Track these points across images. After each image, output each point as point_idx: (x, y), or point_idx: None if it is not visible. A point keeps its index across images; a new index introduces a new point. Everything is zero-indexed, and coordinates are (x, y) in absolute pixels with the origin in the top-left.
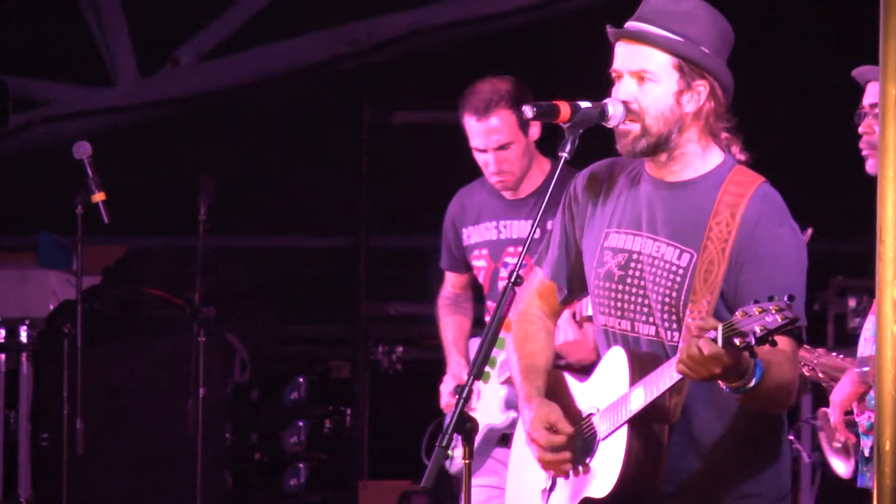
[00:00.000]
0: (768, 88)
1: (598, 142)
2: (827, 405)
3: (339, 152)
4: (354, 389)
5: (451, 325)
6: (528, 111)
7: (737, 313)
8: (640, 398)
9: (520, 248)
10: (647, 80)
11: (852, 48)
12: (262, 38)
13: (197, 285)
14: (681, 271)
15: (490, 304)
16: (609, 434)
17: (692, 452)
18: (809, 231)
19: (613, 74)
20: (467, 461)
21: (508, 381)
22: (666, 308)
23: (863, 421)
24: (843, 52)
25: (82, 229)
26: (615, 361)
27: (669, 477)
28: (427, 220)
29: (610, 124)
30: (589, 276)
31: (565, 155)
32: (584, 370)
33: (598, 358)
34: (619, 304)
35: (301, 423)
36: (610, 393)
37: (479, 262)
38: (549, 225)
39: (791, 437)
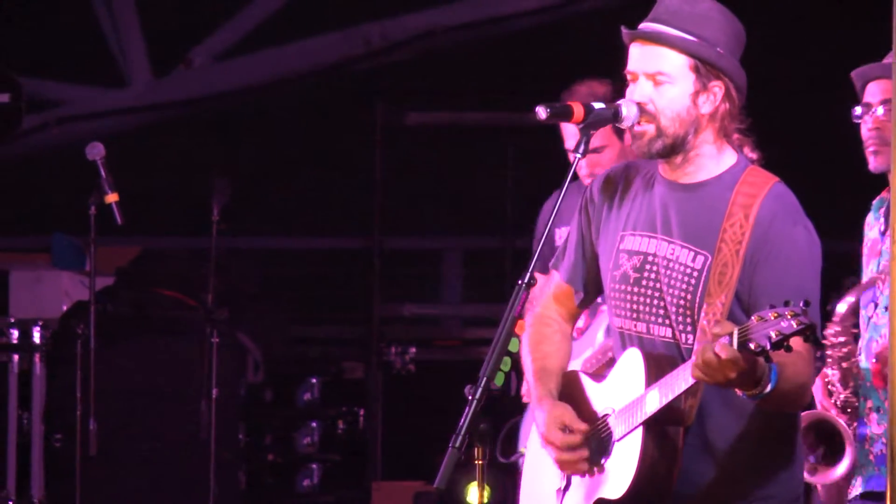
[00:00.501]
0: (779, 87)
1: None
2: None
3: (353, 153)
4: (367, 390)
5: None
6: (541, 112)
7: (752, 318)
8: (655, 400)
9: None
10: (663, 82)
11: (861, 48)
12: (275, 39)
13: (210, 286)
14: (696, 273)
15: None
16: (624, 435)
17: (707, 455)
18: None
19: (628, 76)
20: (480, 462)
21: None
22: (681, 310)
23: (872, 423)
24: (853, 51)
25: (95, 230)
26: (631, 363)
27: (683, 478)
28: (440, 221)
29: (624, 125)
30: (605, 279)
31: (578, 155)
32: (601, 371)
33: (615, 359)
34: (634, 307)
35: (314, 424)
36: (626, 394)
37: None
38: (557, 234)
39: None
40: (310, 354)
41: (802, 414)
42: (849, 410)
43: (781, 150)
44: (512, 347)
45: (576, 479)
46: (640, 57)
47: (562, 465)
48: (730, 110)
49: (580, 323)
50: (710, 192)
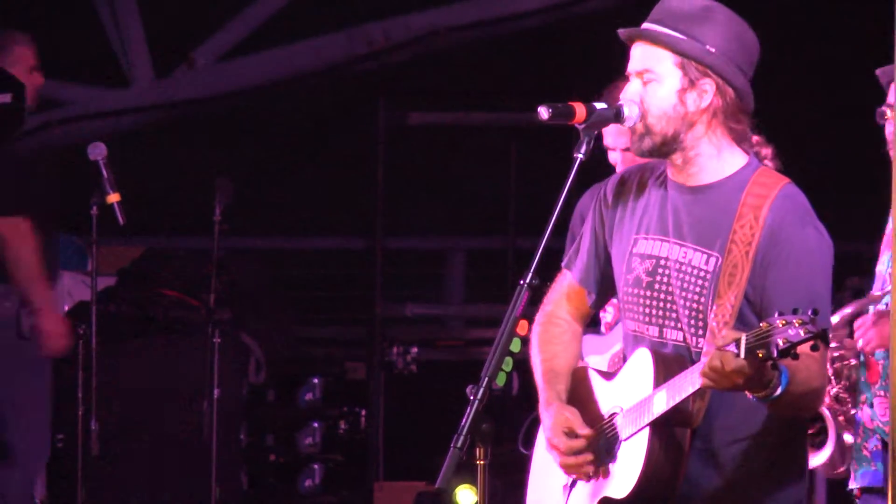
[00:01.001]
0: (789, 87)
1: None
2: None
3: (355, 153)
4: (369, 390)
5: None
6: (543, 112)
7: (761, 324)
8: (662, 402)
9: None
10: (651, 80)
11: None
12: (278, 40)
13: (212, 286)
14: (708, 276)
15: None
16: (631, 435)
17: (713, 457)
18: None
19: (629, 77)
20: (481, 462)
21: None
22: (693, 314)
23: (865, 419)
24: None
25: (97, 230)
26: (641, 363)
27: (689, 481)
28: (443, 221)
29: (626, 125)
30: (618, 282)
31: (580, 156)
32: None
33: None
34: (647, 311)
35: (316, 425)
36: (634, 394)
37: None
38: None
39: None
40: (312, 354)
41: None
42: (842, 400)
43: (789, 149)
44: (514, 347)
45: None
46: (634, 57)
47: (566, 468)
48: (724, 108)
49: (609, 317)
50: (719, 194)
